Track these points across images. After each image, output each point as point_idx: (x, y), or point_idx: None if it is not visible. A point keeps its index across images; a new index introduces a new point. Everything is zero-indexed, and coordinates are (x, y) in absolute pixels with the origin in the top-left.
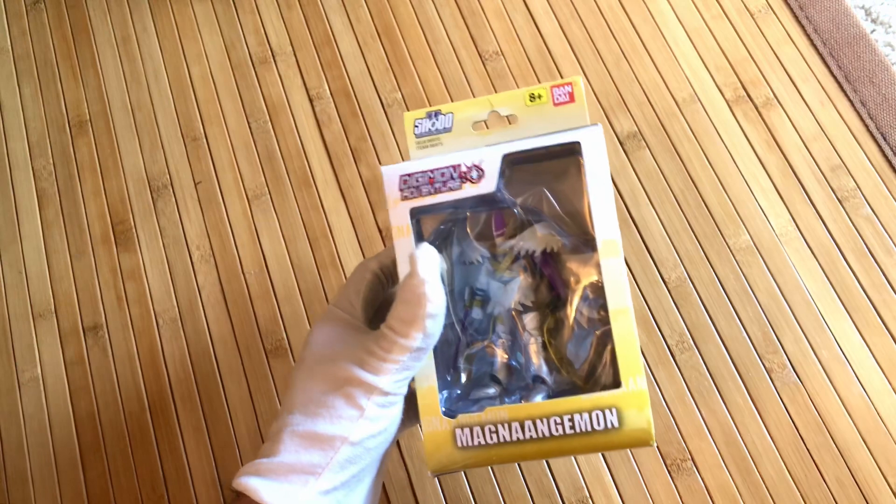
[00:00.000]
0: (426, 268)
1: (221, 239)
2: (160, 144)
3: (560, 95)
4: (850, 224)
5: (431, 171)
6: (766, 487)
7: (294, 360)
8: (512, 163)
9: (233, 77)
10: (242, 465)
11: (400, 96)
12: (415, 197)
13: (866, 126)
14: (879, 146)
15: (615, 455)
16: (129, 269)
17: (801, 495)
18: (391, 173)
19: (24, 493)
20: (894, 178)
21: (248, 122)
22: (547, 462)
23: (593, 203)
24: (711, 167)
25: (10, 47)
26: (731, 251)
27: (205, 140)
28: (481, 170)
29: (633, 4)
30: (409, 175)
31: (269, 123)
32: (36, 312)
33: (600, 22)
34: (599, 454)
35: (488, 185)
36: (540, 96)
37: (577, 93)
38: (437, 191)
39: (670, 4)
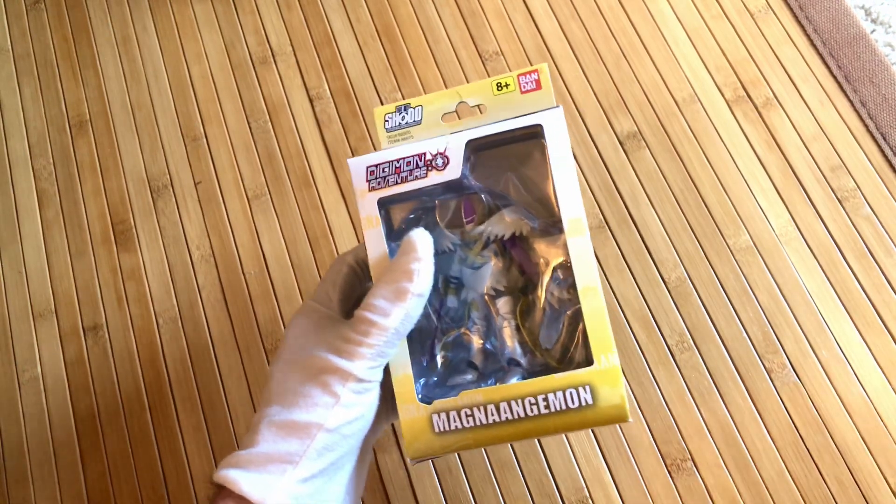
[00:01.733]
0: (423, 247)
1: (221, 239)
2: (160, 144)
3: (527, 83)
4: (850, 224)
5: (397, 160)
6: (766, 487)
7: None
8: (476, 149)
9: (233, 77)
10: None
11: (400, 96)
12: (382, 187)
13: (866, 126)
14: (879, 146)
15: (615, 455)
16: (129, 269)
17: (801, 495)
18: (358, 164)
19: (24, 493)
20: (894, 178)
21: (248, 122)
22: (547, 461)
23: (557, 183)
24: (711, 167)
25: (10, 47)
26: (731, 251)
27: (205, 140)
28: (446, 157)
29: (633, 4)
30: (375, 165)
31: (269, 123)
32: (36, 312)
33: (600, 22)
34: (599, 453)
35: (453, 171)
36: (507, 85)
37: (544, 80)
38: (404, 180)
39: (670, 4)
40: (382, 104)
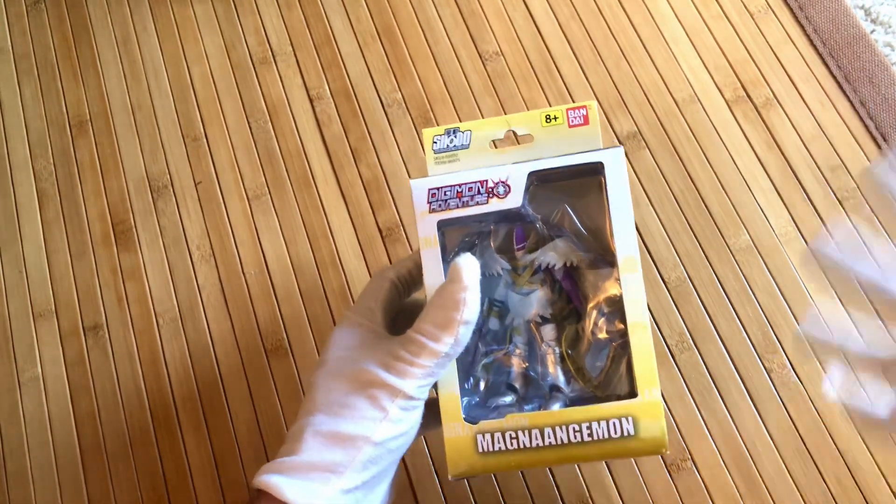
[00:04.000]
0: (469, 275)
1: (221, 239)
2: (160, 144)
3: (575, 118)
4: (850, 224)
5: (459, 185)
6: (766, 487)
7: (295, 361)
8: (536, 180)
9: (233, 77)
10: (242, 465)
11: (400, 96)
12: (443, 210)
13: (866, 126)
14: (879, 146)
15: None
16: (129, 269)
17: (801, 495)
18: (420, 186)
19: (24, 493)
20: None
21: (248, 122)
22: None
23: (614, 221)
24: (711, 167)
25: (10, 47)
26: (731, 251)
27: (205, 140)
28: (508, 186)
29: (633, 4)
30: (437, 189)
31: (269, 123)
32: (36, 312)
33: (600, 22)
34: None
35: (514, 200)
36: (556, 118)
37: (592, 116)
38: (465, 205)
39: (670, 4)
40: (383, 104)
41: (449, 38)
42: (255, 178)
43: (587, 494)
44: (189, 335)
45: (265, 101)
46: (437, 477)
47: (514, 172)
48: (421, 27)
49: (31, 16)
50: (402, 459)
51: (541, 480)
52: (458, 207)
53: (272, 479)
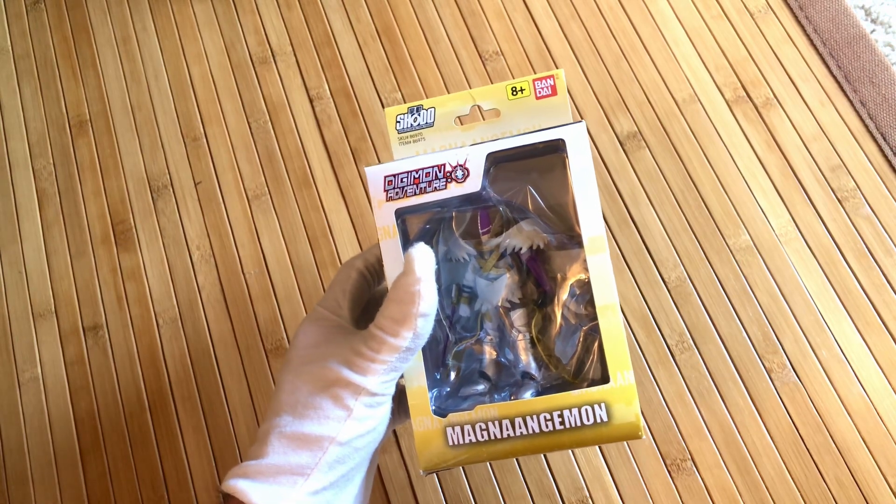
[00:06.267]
0: (422, 266)
1: (221, 239)
2: (160, 144)
3: (542, 88)
4: (850, 224)
5: (416, 171)
6: (766, 487)
7: None
8: (496, 160)
9: (233, 77)
10: None
11: (400, 96)
12: (400, 198)
13: (866, 126)
14: (879, 146)
15: (615, 455)
16: (129, 269)
17: (801, 495)
18: (375, 174)
19: (24, 493)
20: (894, 178)
21: (248, 122)
22: (547, 462)
23: (578, 200)
24: (711, 167)
25: (10, 47)
26: (731, 251)
27: (205, 140)
28: (466, 169)
29: (633, 4)
30: (393, 176)
31: (269, 123)
32: (36, 312)
33: (600, 22)
34: (599, 453)
35: (473, 184)
36: (522, 90)
37: (560, 85)
38: (423, 191)
39: (670, 4)
40: (382, 104)
41: (449, 38)
42: (255, 178)
43: (587, 494)
44: (189, 335)
45: (265, 101)
46: (437, 476)
47: (472, 155)
48: (421, 27)
49: (30, 16)
50: (402, 460)
51: (540, 480)
52: (415, 194)
53: (239, 484)
